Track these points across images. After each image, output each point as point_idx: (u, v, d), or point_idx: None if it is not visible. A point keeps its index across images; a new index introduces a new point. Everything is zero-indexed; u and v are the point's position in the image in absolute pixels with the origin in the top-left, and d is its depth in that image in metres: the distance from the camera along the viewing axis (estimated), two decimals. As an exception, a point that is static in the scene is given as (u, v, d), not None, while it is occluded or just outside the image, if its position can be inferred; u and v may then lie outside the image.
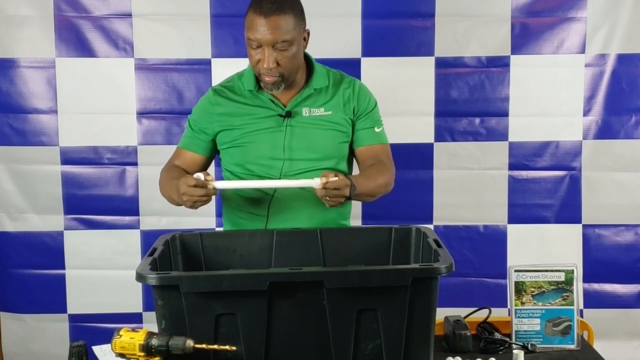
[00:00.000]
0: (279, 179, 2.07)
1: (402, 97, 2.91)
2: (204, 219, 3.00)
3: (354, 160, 2.23)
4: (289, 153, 2.07)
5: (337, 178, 1.86)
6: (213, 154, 2.19)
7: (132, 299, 3.00)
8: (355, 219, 2.91)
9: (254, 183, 2.02)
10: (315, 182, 1.88)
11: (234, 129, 2.09)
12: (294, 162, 2.06)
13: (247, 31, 1.97)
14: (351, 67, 2.86)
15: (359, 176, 2.06)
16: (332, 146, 2.10)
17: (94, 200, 3.00)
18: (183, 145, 2.18)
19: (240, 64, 2.92)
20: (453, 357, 1.75)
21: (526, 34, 2.91)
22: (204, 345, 1.44)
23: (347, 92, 2.13)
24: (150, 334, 1.45)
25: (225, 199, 2.19)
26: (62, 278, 3.03)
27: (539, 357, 1.79)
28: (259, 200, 2.10)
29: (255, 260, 1.86)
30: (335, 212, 2.12)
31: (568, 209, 2.99)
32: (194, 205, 1.93)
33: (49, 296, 3.02)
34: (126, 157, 2.99)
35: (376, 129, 2.15)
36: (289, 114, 2.07)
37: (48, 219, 3.00)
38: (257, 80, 2.08)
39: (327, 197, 1.89)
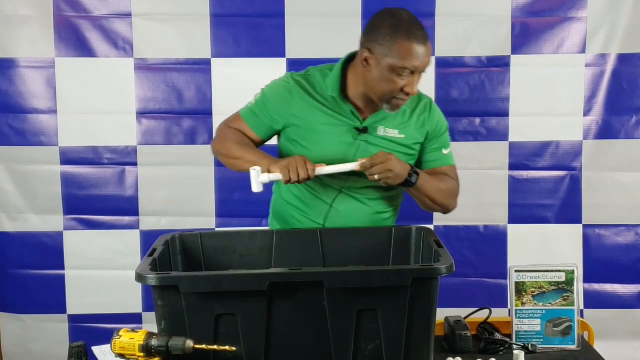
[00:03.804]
0: (341, 191, 2.05)
1: (402, 97, 2.91)
2: (204, 219, 3.00)
3: None
4: None
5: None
6: (267, 139, 2.14)
7: (131, 300, 3.00)
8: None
9: (346, 166, 1.95)
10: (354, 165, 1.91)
11: (305, 127, 2.04)
12: (360, 178, 2.00)
13: (399, 59, 1.87)
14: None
15: (423, 171, 2.05)
16: None
17: (94, 200, 3.00)
18: (246, 118, 2.10)
19: (239, 64, 2.94)
20: (453, 357, 1.75)
21: (526, 34, 2.90)
22: (203, 346, 1.43)
23: (423, 117, 2.09)
24: (150, 335, 1.45)
25: (283, 195, 2.15)
26: (62, 278, 3.02)
27: (540, 358, 1.79)
28: (317, 208, 2.08)
29: (255, 261, 1.86)
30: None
31: (568, 209, 2.99)
32: (291, 173, 1.86)
33: (49, 297, 3.02)
34: (126, 157, 2.98)
35: (444, 151, 2.13)
36: (365, 130, 2.03)
37: (47, 219, 3.00)
38: (343, 88, 2.02)
39: (376, 176, 1.89)
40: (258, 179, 1.89)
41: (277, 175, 1.88)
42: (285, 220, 2.16)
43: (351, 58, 2.05)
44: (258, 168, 1.90)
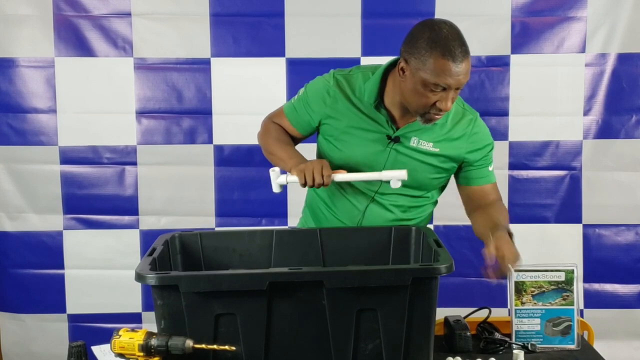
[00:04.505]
0: (373, 198, 2.04)
1: (402, 96, 2.91)
2: (204, 218, 3.00)
3: (459, 194, 2.16)
4: None
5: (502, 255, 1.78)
6: (308, 135, 2.13)
7: (131, 299, 3.00)
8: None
9: (364, 175, 1.95)
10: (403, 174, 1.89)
11: (339, 128, 2.03)
12: (388, 186, 1.96)
13: (432, 76, 1.80)
14: (351, 67, 2.85)
15: (501, 227, 1.93)
16: (427, 180, 2.05)
17: (94, 199, 3.00)
18: (287, 113, 2.10)
19: (239, 64, 2.94)
20: (453, 357, 1.75)
21: (526, 34, 2.90)
22: (203, 346, 1.43)
23: (464, 133, 2.04)
24: (149, 334, 1.45)
25: (319, 195, 2.15)
26: (62, 278, 3.02)
27: (539, 357, 1.78)
28: (347, 211, 2.07)
29: (255, 260, 1.86)
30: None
31: (568, 209, 2.99)
32: (307, 177, 1.84)
33: (49, 296, 3.02)
34: (125, 157, 2.98)
35: (489, 168, 2.11)
36: (397, 139, 2.00)
37: (47, 219, 3.00)
38: (381, 94, 1.99)
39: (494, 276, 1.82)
40: (276, 180, 1.90)
41: (294, 178, 1.88)
42: (314, 213, 2.17)
43: (394, 63, 1.99)
44: (277, 169, 1.91)
